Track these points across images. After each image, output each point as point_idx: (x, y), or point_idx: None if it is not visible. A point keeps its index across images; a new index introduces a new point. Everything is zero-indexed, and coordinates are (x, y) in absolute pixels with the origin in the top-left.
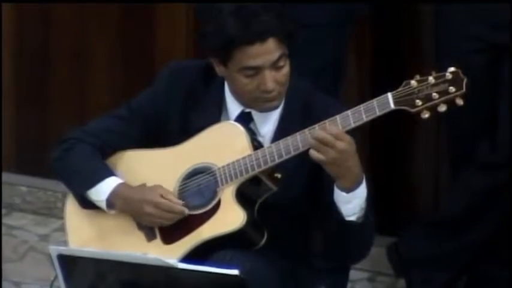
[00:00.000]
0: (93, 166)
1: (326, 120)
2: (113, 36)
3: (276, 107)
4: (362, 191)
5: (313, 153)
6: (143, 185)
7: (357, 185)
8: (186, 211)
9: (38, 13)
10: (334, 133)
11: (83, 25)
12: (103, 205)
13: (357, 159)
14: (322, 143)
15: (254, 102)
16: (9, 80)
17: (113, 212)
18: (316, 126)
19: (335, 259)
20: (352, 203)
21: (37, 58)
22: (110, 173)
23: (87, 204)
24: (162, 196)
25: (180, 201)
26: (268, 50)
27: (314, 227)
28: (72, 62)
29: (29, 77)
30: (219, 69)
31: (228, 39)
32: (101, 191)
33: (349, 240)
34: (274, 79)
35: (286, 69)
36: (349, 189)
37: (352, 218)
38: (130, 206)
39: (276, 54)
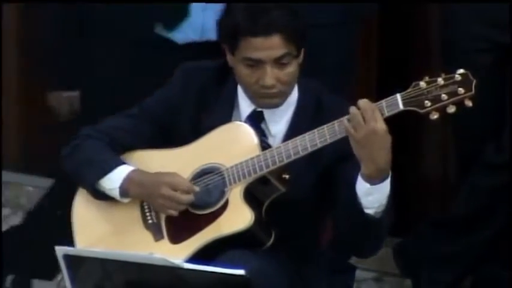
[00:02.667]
0: (104, 156)
1: (336, 121)
2: None
3: (276, 105)
4: (385, 187)
5: (346, 123)
6: (157, 172)
7: (381, 179)
8: (197, 189)
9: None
10: (374, 111)
11: None
12: (116, 193)
13: (385, 152)
14: (361, 114)
15: (254, 96)
16: (16, 80)
17: (125, 200)
18: (325, 126)
19: (345, 251)
20: (373, 195)
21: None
22: (121, 161)
23: (99, 195)
24: (177, 178)
25: (193, 186)
26: (271, 46)
27: (326, 220)
28: None
29: (35, 76)
30: (229, 58)
31: (233, 28)
32: (114, 179)
33: (363, 233)
34: (276, 76)
35: (290, 69)
36: (373, 181)
37: (370, 212)
38: (145, 190)
39: (279, 52)
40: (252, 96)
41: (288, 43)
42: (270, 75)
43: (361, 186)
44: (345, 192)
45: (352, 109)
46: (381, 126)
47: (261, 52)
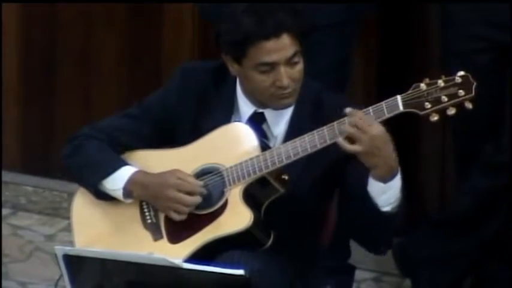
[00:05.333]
0: (107, 157)
1: (335, 122)
2: (119, 36)
3: (290, 104)
4: (397, 182)
5: (346, 145)
6: (161, 172)
7: (392, 175)
8: (204, 191)
9: (45, 13)
10: (366, 120)
11: (89, 25)
12: (119, 194)
13: (392, 150)
14: (356, 127)
15: (269, 100)
16: (15, 80)
17: (129, 200)
18: (324, 128)
19: (366, 247)
20: (387, 193)
21: (43, 58)
22: (124, 162)
23: (101, 196)
24: (180, 178)
25: (200, 182)
26: (283, 46)
27: (325, 220)
28: (78, 62)
29: (35, 76)
30: (233, 68)
31: (244, 36)
32: (117, 180)
33: (383, 230)
34: (289, 75)
35: (300, 66)
36: (385, 180)
37: (387, 209)
38: (149, 192)
39: (290, 50)
40: (267, 100)
41: (295, 41)
42: (286, 76)
43: (375, 187)
44: (357, 194)
45: (347, 127)
46: (378, 129)
47: (274, 54)
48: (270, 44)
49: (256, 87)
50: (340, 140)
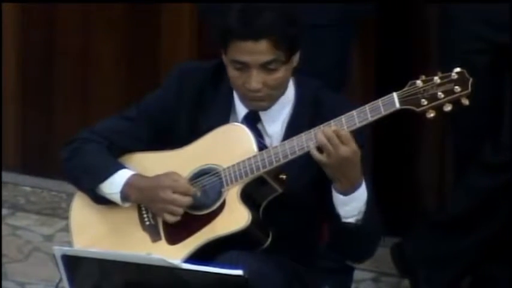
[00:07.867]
0: (104, 161)
1: (332, 121)
2: (118, 37)
3: (262, 108)
4: (361, 194)
5: (315, 153)
6: (156, 175)
7: (353, 189)
8: (198, 193)
9: (43, 13)
10: (341, 136)
11: (87, 25)
12: (117, 198)
13: (358, 167)
14: (328, 141)
15: (242, 98)
16: (14, 80)
17: (127, 204)
18: (322, 126)
19: (338, 257)
20: (350, 205)
21: (42, 59)
22: (121, 166)
23: (100, 200)
24: (176, 180)
25: (192, 188)
26: (259, 51)
27: (323, 220)
28: (77, 63)
29: (33, 77)
30: (224, 58)
31: (225, 31)
32: (114, 184)
33: (349, 242)
34: (263, 81)
35: (278, 75)
36: (345, 193)
37: (351, 220)
38: (145, 195)
39: (266, 57)
40: (240, 98)
41: (276, 49)
42: (256, 80)
43: (337, 199)
44: (328, 201)
45: (320, 139)
46: (350, 149)
47: (248, 56)
48: (246, 45)
49: (233, 83)
50: (312, 145)
